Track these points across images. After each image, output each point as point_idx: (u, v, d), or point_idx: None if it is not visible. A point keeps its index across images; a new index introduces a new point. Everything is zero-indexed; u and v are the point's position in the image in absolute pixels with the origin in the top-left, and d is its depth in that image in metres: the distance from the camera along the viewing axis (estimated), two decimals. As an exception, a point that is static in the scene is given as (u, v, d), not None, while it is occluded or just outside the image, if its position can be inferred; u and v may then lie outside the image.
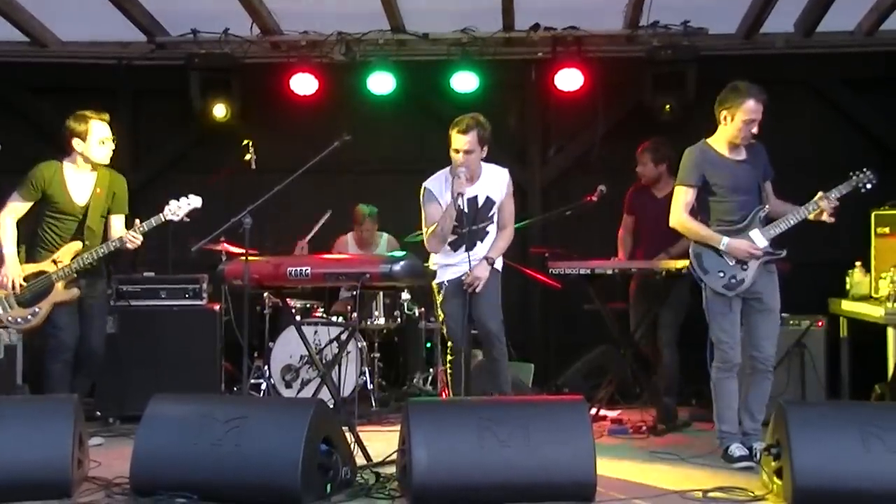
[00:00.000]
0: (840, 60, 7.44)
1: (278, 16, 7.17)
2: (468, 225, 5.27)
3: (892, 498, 3.94)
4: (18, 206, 5.47)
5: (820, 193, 5.02)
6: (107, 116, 5.52)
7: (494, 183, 5.41)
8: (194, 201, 5.41)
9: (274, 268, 5.04)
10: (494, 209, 5.40)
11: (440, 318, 5.54)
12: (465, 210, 5.25)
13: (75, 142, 5.45)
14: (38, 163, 5.57)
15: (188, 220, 5.42)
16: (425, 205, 5.40)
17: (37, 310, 5.41)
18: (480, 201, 5.37)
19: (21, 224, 5.51)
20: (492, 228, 5.42)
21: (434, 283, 5.50)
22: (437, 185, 5.39)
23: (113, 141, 5.51)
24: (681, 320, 6.19)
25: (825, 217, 5.02)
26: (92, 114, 5.48)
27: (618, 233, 6.61)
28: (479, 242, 5.37)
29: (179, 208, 5.37)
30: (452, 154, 5.29)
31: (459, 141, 5.24)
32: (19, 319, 5.44)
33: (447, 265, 5.43)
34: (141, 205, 6.00)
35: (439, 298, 5.47)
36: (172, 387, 5.50)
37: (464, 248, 5.27)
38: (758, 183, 5.11)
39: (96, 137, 5.44)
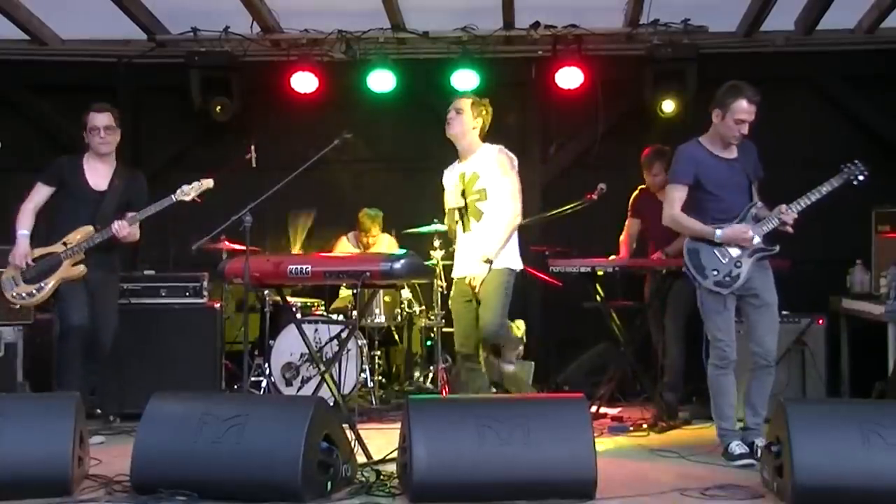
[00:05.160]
0: (840, 58, 7.44)
1: (278, 14, 7.17)
2: (460, 199, 5.42)
3: (892, 496, 3.93)
4: (39, 194, 5.62)
5: (780, 207, 5.03)
6: (103, 106, 5.62)
7: (484, 158, 5.46)
8: (206, 183, 5.51)
9: (274, 266, 5.04)
10: (483, 184, 5.39)
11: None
12: (460, 185, 5.43)
13: (85, 134, 5.64)
14: (37, 161, 5.61)
15: (199, 200, 5.49)
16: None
17: (42, 285, 5.50)
18: (467, 175, 5.44)
19: (41, 216, 5.65)
20: (486, 207, 5.39)
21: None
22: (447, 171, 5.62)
23: (105, 130, 5.58)
24: (688, 311, 6.14)
25: (787, 225, 5.01)
26: (94, 106, 5.63)
27: (621, 236, 6.61)
28: (474, 221, 5.40)
29: (192, 189, 5.48)
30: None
31: (455, 103, 5.49)
32: (24, 294, 5.53)
33: (456, 257, 5.57)
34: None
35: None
36: (173, 385, 5.49)
37: (461, 224, 5.44)
38: (749, 180, 5.11)
39: (88, 127, 5.60)
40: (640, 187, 6.58)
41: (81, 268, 5.53)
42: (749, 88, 4.97)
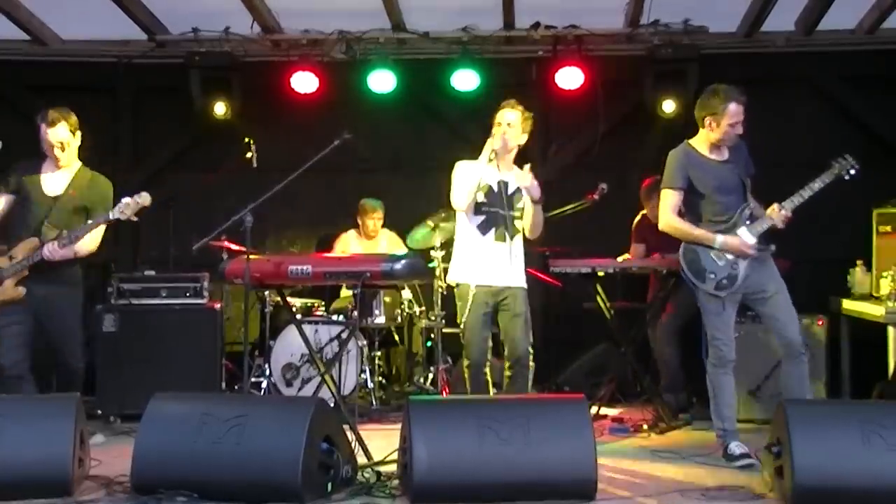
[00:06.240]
0: (841, 58, 7.44)
1: (279, 14, 7.17)
2: (498, 206, 5.15)
3: (892, 496, 3.94)
4: (1, 201, 5.33)
5: (773, 207, 5.02)
6: (56, 117, 5.25)
7: (524, 183, 5.21)
8: (143, 199, 5.20)
9: (275, 266, 5.04)
10: (522, 205, 5.22)
11: (461, 328, 5.21)
12: (496, 189, 5.17)
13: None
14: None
15: (136, 219, 5.21)
16: (456, 176, 5.22)
17: None
18: (511, 189, 5.22)
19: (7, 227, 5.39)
20: (520, 226, 5.24)
21: (457, 282, 5.24)
22: (471, 164, 5.22)
23: (61, 145, 5.27)
24: (689, 313, 6.14)
25: (779, 225, 5.01)
26: (50, 115, 5.25)
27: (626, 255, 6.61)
28: (513, 238, 5.15)
29: (128, 206, 5.17)
30: (495, 129, 5.20)
31: (506, 115, 5.21)
32: None
33: (474, 262, 5.15)
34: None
35: (463, 304, 5.16)
36: (173, 385, 5.47)
37: (493, 230, 5.14)
38: (741, 181, 5.11)
39: (43, 141, 5.29)
40: (641, 213, 6.60)
41: (21, 289, 5.19)
42: (733, 90, 5.00)
